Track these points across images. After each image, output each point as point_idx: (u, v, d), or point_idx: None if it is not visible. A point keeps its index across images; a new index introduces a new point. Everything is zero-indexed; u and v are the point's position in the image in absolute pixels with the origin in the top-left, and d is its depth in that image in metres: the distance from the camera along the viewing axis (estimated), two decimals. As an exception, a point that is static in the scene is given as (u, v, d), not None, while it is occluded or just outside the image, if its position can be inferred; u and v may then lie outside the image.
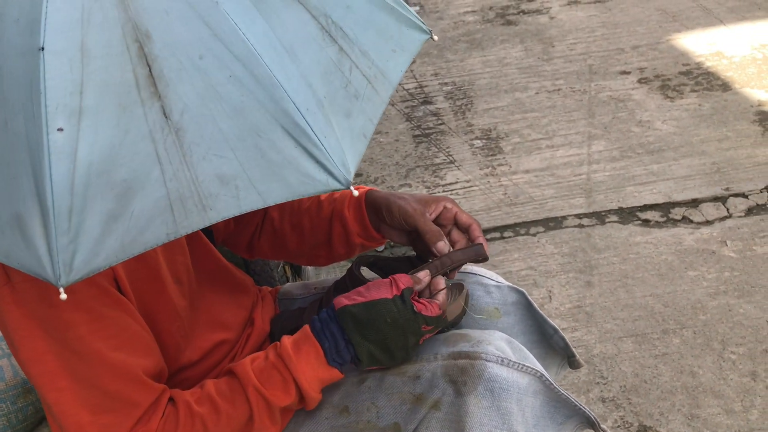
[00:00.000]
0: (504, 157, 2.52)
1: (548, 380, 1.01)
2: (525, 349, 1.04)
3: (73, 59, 0.67)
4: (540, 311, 1.15)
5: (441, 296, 1.00)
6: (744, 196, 2.25)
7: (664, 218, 2.19)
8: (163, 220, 0.69)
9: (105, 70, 0.67)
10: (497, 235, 2.19)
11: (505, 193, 2.36)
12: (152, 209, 0.68)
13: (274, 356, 0.95)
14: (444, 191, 2.40)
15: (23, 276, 0.82)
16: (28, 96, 0.67)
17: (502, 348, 1.00)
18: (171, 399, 0.94)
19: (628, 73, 2.90)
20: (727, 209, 2.20)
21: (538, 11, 3.43)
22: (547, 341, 1.16)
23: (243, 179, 0.70)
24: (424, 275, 1.01)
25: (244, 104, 0.69)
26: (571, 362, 1.19)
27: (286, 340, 0.96)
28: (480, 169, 2.48)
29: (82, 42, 0.67)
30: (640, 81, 2.84)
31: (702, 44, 3.04)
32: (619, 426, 1.62)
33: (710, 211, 2.20)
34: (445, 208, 1.10)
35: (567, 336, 1.82)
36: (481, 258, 1.06)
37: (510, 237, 2.18)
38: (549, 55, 3.08)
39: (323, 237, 1.16)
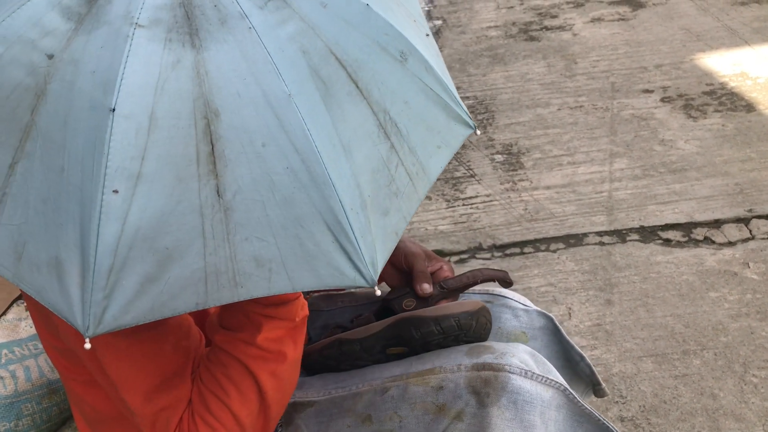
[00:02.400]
0: (525, 173, 2.52)
1: (572, 394, 1.01)
2: (548, 363, 1.04)
3: (141, 125, 0.67)
4: (567, 337, 1.15)
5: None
6: (767, 218, 2.23)
7: (686, 238, 2.18)
8: (195, 290, 0.71)
9: (169, 140, 0.68)
10: (517, 250, 2.19)
11: (526, 209, 2.35)
12: (187, 279, 0.70)
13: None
14: (464, 205, 2.40)
15: None
16: (89, 151, 0.67)
17: (525, 360, 1.00)
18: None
19: (651, 91, 2.89)
20: (750, 231, 2.19)
21: (561, 28, 3.43)
22: (573, 368, 1.16)
23: (277, 263, 0.72)
24: (427, 286, 1.07)
25: (294, 196, 0.71)
26: (597, 390, 1.18)
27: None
28: (501, 183, 2.48)
29: (152, 109, 0.68)
30: (663, 100, 2.83)
31: (726, 64, 3.02)
32: (637, 446, 1.61)
33: (733, 232, 2.19)
34: (441, 267, 1.14)
35: (586, 354, 1.82)
36: (508, 281, 1.11)
37: (530, 253, 2.17)
38: (571, 71, 3.08)
39: None
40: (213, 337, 0.94)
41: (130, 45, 0.68)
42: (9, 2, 0.71)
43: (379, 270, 0.74)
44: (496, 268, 1.12)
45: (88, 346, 0.69)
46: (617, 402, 1.70)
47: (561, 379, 1.01)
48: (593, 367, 1.14)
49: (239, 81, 0.69)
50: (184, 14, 0.70)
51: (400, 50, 0.79)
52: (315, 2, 0.74)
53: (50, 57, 0.69)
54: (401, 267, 1.13)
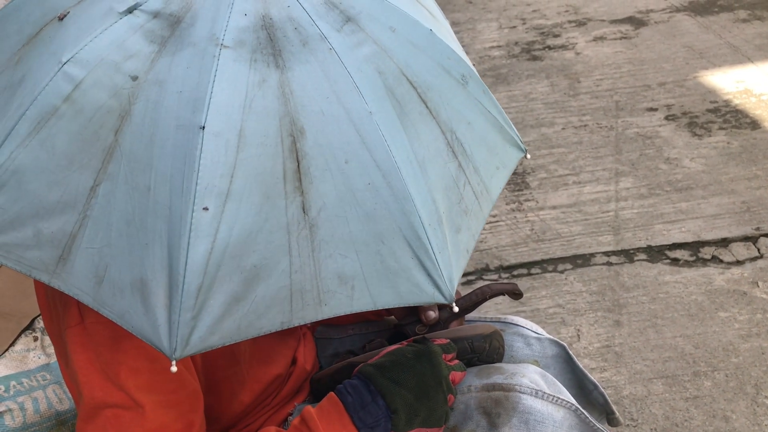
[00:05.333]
0: (531, 193, 2.51)
1: (583, 414, 1.00)
2: (559, 384, 1.03)
3: (230, 143, 0.68)
4: (581, 366, 1.14)
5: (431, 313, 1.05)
6: (775, 236, 2.22)
7: (694, 257, 2.17)
8: (280, 309, 0.70)
9: (257, 158, 0.68)
10: (524, 271, 2.18)
11: (532, 229, 2.35)
12: (273, 297, 0.69)
13: (298, 420, 0.93)
14: (470, 226, 2.40)
15: (97, 317, 0.82)
16: (179, 169, 0.67)
17: (536, 381, 0.99)
18: None
19: (655, 109, 2.89)
20: (758, 249, 2.18)
21: (563, 47, 3.44)
22: (586, 396, 1.15)
23: (360, 281, 0.72)
24: (432, 313, 1.04)
25: (376, 212, 0.72)
26: (611, 420, 1.17)
27: (311, 407, 0.94)
28: (506, 204, 2.47)
29: (241, 127, 0.68)
30: (667, 118, 2.84)
31: (730, 82, 3.03)
32: (650, 470, 1.59)
33: (741, 251, 2.18)
34: None
35: (596, 376, 1.81)
36: (517, 292, 1.08)
37: (537, 274, 2.17)
38: (575, 90, 3.09)
39: None
40: None
41: (217, 65, 0.68)
42: (90, 28, 0.72)
43: (456, 286, 0.74)
44: (504, 281, 1.11)
45: (174, 369, 0.67)
46: (628, 425, 1.69)
47: (572, 399, 1.00)
48: (607, 396, 1.13)
49: (322, 99, 0.71)
50: (267, 36, 0.71)
51: (461, 74, 0.82)
52: (385, 27, 0.76)
53: (134, 78, 0.70)
54: None
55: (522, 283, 2.13)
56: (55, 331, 0.92)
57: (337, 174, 0.71)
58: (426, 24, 0.79)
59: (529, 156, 0.91)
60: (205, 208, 0.67)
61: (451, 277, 0.74)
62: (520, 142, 0.90)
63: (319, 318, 0.71)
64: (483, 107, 0.85)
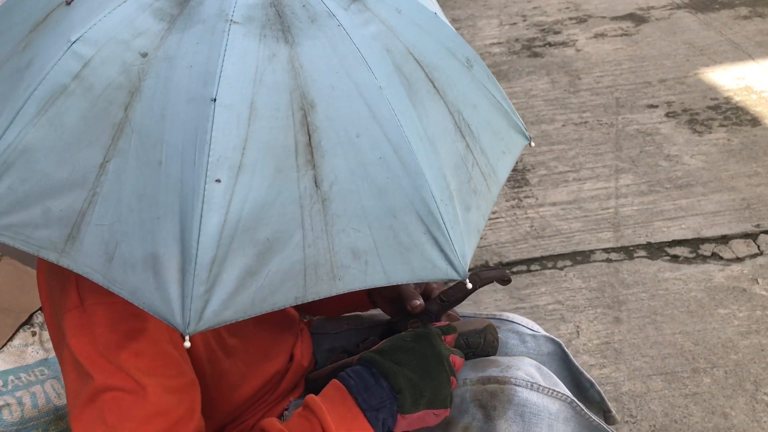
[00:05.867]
0: (530, 189, 2.51)
1: (579, 406, 1.00)
2: (554, 376, 1.03)
3: (241, 115, 0.68)
4: (576, 363, 1.14)
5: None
6: (775, 233, 2.22)
7: (694, 254, 2.17)
8: (294, 284, 0.70)
9: (269, 131, 0.69)
10: (524, 268, 2.18)
11: (532, 226, 2.35)
12: (287, 271, 0.69)
13: (301, 408, 0.92)
14: (470, 222, 2.39)
15: (97, 299, 0.81)
16: (190, 142, 0.67)
17: (531, 373, 0.99)
18: None
19: (656, 106, 2.89)
20: (758, 246, 2.18)
21: (564, 43, 3.44)
22: (583, 394, 1.14)
23: (373, 256, 0.72)
24: (417, 301, 1.04)
25: (388, 186, 0.72)
26: (607, 417, 1.17)
27: (313, 395, 0.93)
28: (506, 201, 2.47)
29: (252, 100, 0.68)
30: (667, 115, 2.83)
31: (730, 78, 3.02)
32: (649, 467, 1.59)
33: (740, 247, 2.18)
34: (428, 284, 1.13)
35: (595, 373, 1.80)
36: (505, 278, 1.07)
37: (537, 270, 2.16)
38: (575, 87, 3.09)
39: None
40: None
41: (227, 40, 0.69)
42: (99, 9, 0.72)
43: (468, 263, 0.75)
44: (492, 268, 1.09)
45: (187, 344, 0.66)
46: (627, 422, 1.69)
47: (568, 392, 1.00)
48: (603, 394, 1.13)
49: (332, 74, 0.71)
50: (275, 13, 0.72)
51: (466, 57, 0.83)
52: (391, 8, 0.77)
53: (144, 55, 0.70)
54: (391, 297, 1.13)
55: (521, 280, 2.13)
56: (53, 322, 0.91)
57: (349, 148, 0.71)
58: (430, 8, 0.81)
59: (533, 144, 0.92)
60: (218, 180, 0.67)
61: (464, 253, 0.74)
62: (524, 130, 0.90)
63: (333, 293, 0.71)
64: (488, 91, 0.85)
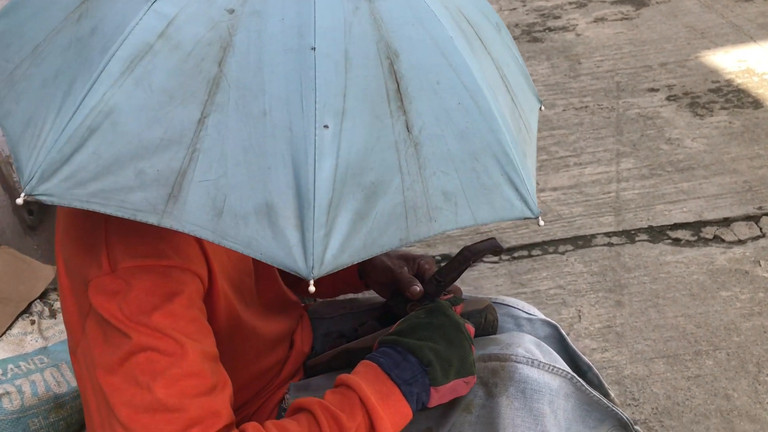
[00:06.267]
0: (531, 175, 2.50)
1: (579, 382, 1.00)
2: (554, 353, 1.03)
3: (339, 63, 0.71)
4: (574, 346, 1.13)
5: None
6: (777, 215, 2.21)
7: (695, 237, 2.16)
8: (398, 226, 0.72)
9: (363, 78, 0.72)
10: (525, 253, 2.17)
11: (533, 211, 2.34)
12: (391, 214, 0.72)
13: (334, 387, 0.91)
14: (471, 208, 2.38)
15: (133, 263, 0.80)
16: (295, 90, 0.69)
17: (531, 350, 1.00)
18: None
19: (657, 90, 2.87)
20: (760, 228, 2.17)
21: (564, 28, 3.42)
22: (581, 378, 1.14)
23: (461, 197, 0.75)
24: (417, 287, 1.06)
25: (468, 130, 0.76)
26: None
27: (344, 374, 0.92)
28: (507, 186, 2.46)
29: (345, 49, 0.71)
30: (668, 98, 2.82)
31: (732, 61, 3.00)
32: (651, 449, 1.58)
33: (742, 230, 2.17)
34: (421, 266, 1.13)
35: (597, 357, 1.80)
36: (498, 248, 1.07)
37: (538, 255, 2.16)
38: (576, 72, 3.07)
39: None
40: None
41: None
42: None
43: (537, 203, 0.79)
44: (482, 240, 1.08)
45: (312, 288, 0.67)
46: (629, 404, 1.68)
47: (567, 368, 1.00)
48: (601, 377, 1.12)
49: (409, 26, 0.75)
50: None
51: (495, 21, 0.90)
52: None
53: (230, 12, 0.71)
54: (385, 282, 1.13)
55: (523, 265, 2.12)
56: (72, 294, 0.87)
57: (431, 94, 0.75)
58: None
59: (543, 108, 0.97)
60: (326, 126, 0.68)
61: (533, 192, 0.78)
62: (536, 93, 0.96)
63: (432, 234, 0.74)
64: (513, 54, 0.93)
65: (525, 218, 0.77)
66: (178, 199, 0.69)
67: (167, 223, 0.68)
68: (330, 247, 0.68)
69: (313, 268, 0.67)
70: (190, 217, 0.69)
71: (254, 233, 0.68)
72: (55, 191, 0.67)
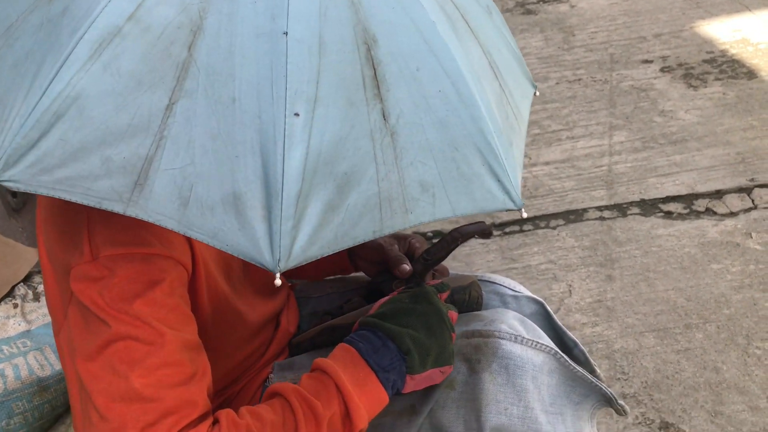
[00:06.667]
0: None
1: (563, 358, 1.00)
2: (538, 329, 1.03)
3: (312, 48, 0.69)
4: (559, 322, 1.13)
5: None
6: (770, 186, 2.20)
7: (687, 210, 2.15)
8: (371, 218, 0.71)
9: (338, 64, 0.69)
10: (516, 228, 2.16)
11: (525, 185, 2.32)
12: (364, 205, 0.70)
13: (310, 371, 0.91)
14: (462, 184, 2.37)
15: (114, 250, 0.79)
16: (265, 76, 0.67)
17: (514, 326, 1.00)
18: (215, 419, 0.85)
19: (651, 61, 2.85)
20: (752, 200, 2.16)
21: (558, 0, 3.38)
22: (567, 354, 1.14)
23: (439, 188, 0.73)
24: (406, 266, 1.04)
25: (448, 118, 0.74)
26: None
27: (319, 358, 0.92)
28: (499, 161, 2.45)
29: (320, 33, 0.69)
30: (662, 70, 2.79)
31: (726, 31, 2.97)
32: (640, 423, 1.59)
33: (735, 202, 2.16)
34: (411, 244, 1.12)
35: (587, 331, 1.80)
36: (486, 231, 1.06)
37: (529, 230, 2.15)
38: (569, 44, 3.04)
39: None
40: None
41: None
42: None
43: (520, 194, 0.78)
44: (472, 223, 1.07)
45: (278, 282, 0.65)
46: (619, 379, 1.69)
47: (552, 344, 1.00)
48: (587, 354, 1.12)
49: (389, 10, 0.73)
50: None
51: (486, 4, 0.87)
52: None
53: None
54: (376, 260, 1.12)
55: (514, 240, 2.11)
56: (55, 281, 0.87)
57: (411, 81, 0.72)
58: None
59: (537, 93, 0.95)
60: (296, 114, 0.66)
61: (517, 184, 0.76)
62: (531, 78, 0.93)
63: (407, 226, 0.72)
64: (505, 39, 0.90)
65: (507, 209, 0.75)
66: (144, 187, 0.67)
67: (132, 212, 0.67)
68: (298, 240, 0.66)
69: (279, 261, 0.65)
70: (156, 206, 0.67)
71: (220, 224, 0.67)
72: (21, 177, 0.66)
